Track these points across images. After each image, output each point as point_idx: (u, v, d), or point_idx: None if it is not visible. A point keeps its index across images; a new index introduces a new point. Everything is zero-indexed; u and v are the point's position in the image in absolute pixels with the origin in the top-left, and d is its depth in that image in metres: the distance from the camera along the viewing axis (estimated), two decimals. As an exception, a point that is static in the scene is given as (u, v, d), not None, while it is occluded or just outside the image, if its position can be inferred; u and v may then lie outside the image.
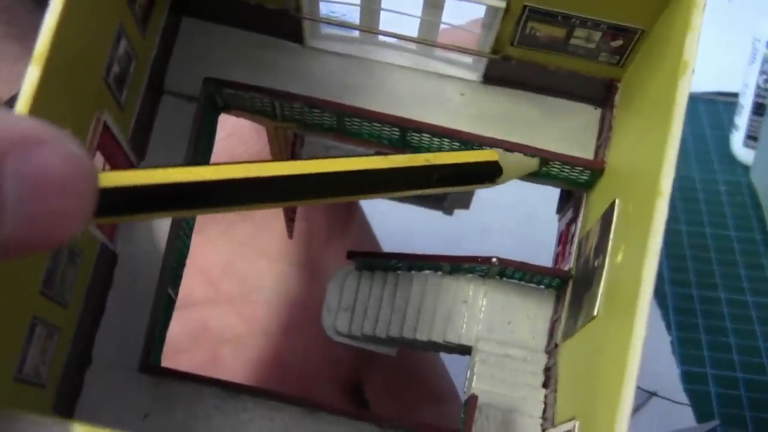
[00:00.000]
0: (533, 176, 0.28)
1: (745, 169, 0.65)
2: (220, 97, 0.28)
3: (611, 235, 0.24)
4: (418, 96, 0.28)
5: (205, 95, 0.27)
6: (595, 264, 0.25)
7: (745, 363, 0.51)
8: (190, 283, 0.36)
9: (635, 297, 0.20)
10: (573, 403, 0.24)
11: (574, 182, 0.28)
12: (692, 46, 0.22)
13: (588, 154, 0.28)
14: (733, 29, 0.69)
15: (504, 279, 0.30)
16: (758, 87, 0.64)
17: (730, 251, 0.58)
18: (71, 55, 0.21)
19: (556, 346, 0.28)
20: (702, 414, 0.48)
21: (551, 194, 0.32)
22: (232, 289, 0.37)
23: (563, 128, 0.28)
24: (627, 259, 0.22)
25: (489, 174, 0.23)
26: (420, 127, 0.27)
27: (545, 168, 0.28)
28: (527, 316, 0.29)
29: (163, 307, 0.28)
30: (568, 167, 0.27)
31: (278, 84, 0.28)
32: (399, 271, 0.31)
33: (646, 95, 0.24)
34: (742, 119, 0.65)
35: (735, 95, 0.67)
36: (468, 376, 0.29)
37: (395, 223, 0.47)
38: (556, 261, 0.30)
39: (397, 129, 0.27)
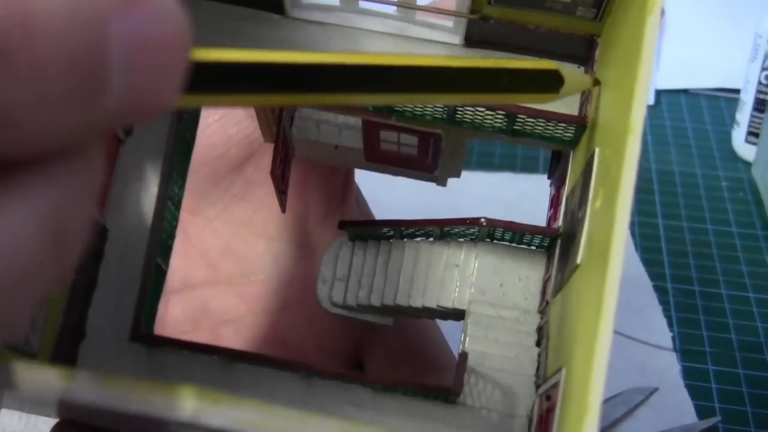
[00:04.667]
0: (523, 136, 0.28)
1: (747, 165, 0.65)
2: None
3: (591, 184, 0.24)
4: None
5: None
6: (579, 215, 0.25)
7: (747, 359, 0.51)
8: (190, 266, 0.37)
9: (610, 238, 0.19)
10: (560, 353, 0.24)
11: (560, 140, 0.28)
12: None
13: (573, 111, 0.28)
14: (735, 26, 0.68)
15: (494, 242, 0.30)
16: (760, 83, 0.64)
17: (732, 247, 0.58)
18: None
19: (548, 304, 0.28)
20: (703, 410, 0.48)
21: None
22: (231, 269, 0.37)
23: None
24: (603, 203, 0.22)
25: (552, 83, 0.23)
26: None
27: (530, 127, 0.28)
28: (519, 278, 0.30)
29: (153, 276, 0.28)
30: (552, 124, 0.28)
31: None
32: (391, 240, 0.31)
33: (619, 43, 0.24)
34: (744, 116, 0.65)
35: (737, 91, 0.67)
36: (461, 338, 0.29)
37: (391, 201, 0.47)
38: (548, 223, 0.31)
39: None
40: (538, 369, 0.28)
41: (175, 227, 0.30)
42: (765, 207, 0.60)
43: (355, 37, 0.29)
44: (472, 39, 0.28)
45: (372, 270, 0.31)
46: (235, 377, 0.27)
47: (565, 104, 0.28)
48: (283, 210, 0.32)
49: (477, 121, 0.28)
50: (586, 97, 0.28)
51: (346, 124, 0.31)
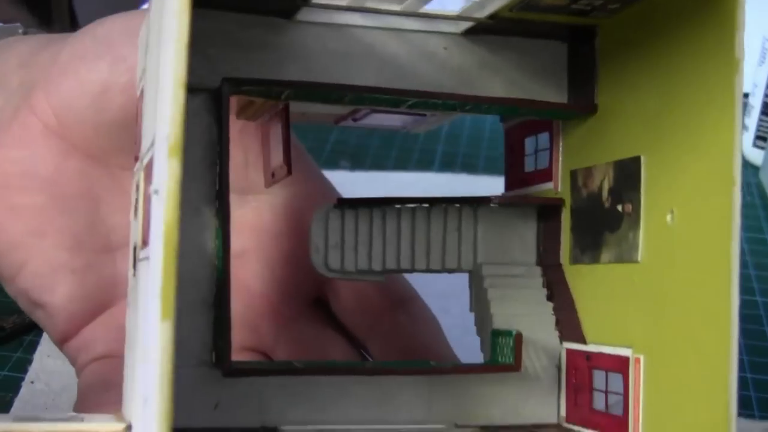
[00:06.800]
0: (513, 113, 0.31)
1: (755, 169, 0.64)
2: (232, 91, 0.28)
3: (642, 190, 0.27)
4: (406, 55, 0.30)
5: (220, 93, 0.27)
6: (619, 209, 0.28)
7: (755, 363, 0.50)
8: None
9: (725, 276, 0.24)
10: (621, 332, 0.28)
11: (549, 115, 0.31)
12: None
13: (562, 88, 0.31)
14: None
15: (491, 205, 0.32)
16: (768, 87, 0.63)
17: (740, 251, 0.57)
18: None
19: (559, 265, 0.31)
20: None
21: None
22: None
23: (539, 66, 0.31)
24: (690, 228, 0.25)
25: None
26: (420, 96, 0.29)
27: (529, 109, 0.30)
28: (516, 235, 0.32)
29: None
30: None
31: (272, 62, 0.28)
32: (385, 206, 0.32)
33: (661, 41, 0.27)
34: (752, 120, 0.65)
35: (745, 96, 0.66)
36: (472, 296, 0.32)
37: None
38: (512, 170, 0.34)
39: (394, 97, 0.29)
40: (557, 323, 0.31)
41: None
42: (773, 211, 0.60)
43: (361, 36, 0.29)
44: (473, 31, 0.30)
45: (367, 236, 0.32)
46: (305, 381, 0.29)
47: (555, 81, 0.31)
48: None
49: (485, 108, 0.30)
50: (580, 77, 0.30)
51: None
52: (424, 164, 0.64)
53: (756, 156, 0.64)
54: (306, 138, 0.65)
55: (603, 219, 0.29)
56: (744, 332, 0.51)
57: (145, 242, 0.22)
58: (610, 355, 0.28)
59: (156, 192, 0.19)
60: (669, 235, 0.26)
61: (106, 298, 0.34)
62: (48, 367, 0.39)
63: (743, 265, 0.56)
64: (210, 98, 0.27)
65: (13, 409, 0.37)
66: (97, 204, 0.35)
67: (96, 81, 0.33)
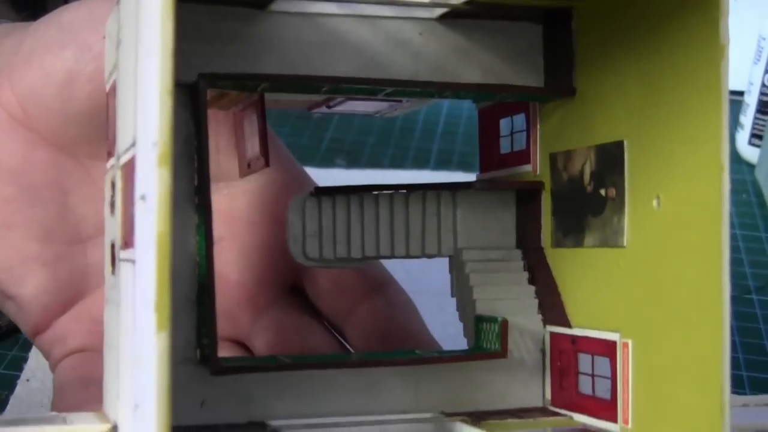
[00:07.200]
0: (490, 98, 0.31)
1: (750, 167, 0.65)
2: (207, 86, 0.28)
3: (626, 175, 0.27)
4: (381, 43, 0.29)
5: (196, 89, 0.27)
6: (602, 193, 0.28)
7: (750, 361, 0.50)
8: (102, 210, 0.35)
9: (716, 259, 0.24)
10: (607, 316, 0.28)
11: (526, 98, 0.31)
12: None
13: (538, 71, 0.31)
14: (738, 28, 0.68)
15: (470, 190, 0.32)
16: (763, 85, 0.63)
17: (735, 249, 0.58)
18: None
19: (540, 249, 0.31)
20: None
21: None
22: None
23: (515, 50, 0.31)
24: (678, 213, 0.25)
25: None
26: (397, 86, 0.29)
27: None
28: (496, 218, 0.32)
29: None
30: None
31: (247, 55, 0.28)
32: (362, 193, 0.32)
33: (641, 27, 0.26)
34: (748, 118, 0.65)
35: (740, 94, 0.67)
36: (452, 281, 0.32)
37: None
38: (487, 151, 0.34)
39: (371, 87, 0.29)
40: (539, 307, 0.31)
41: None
42: (768, 208, 0.60)
43: (336, 25, 0.29)
44: (448, 16, 0.29)
45: (346, 224, 0.31)
46: (291, 375, 0.28)
47: (531, 64, 0.31)
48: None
49: (462, 93, 0.30)
50: (554, 59, 0.30)
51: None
52: (420, 162, 0.64)
53: (752, 154, 0.64)
54: (302, 136, 0.65)
55: (585, 203, 0.29)
56: (739, 330, 0.51)
57: (126, 243, 0.22)
58: (596, 339, 0.28)
59: (143, 198, 0.19)
60: (656, 220, 0.26)
61: (77, 290, 0.34)
62: (43, 365, 0.39)
63: (739, 262, 0.56)
64: (185, 93, 0.27)
65: (8, 408, 0.37)
66: (66, 195, 0.34)
67: (62, 70, 0.32)
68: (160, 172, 0.19)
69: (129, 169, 0.21)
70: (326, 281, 0.36)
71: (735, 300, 0.54)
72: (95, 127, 0.32)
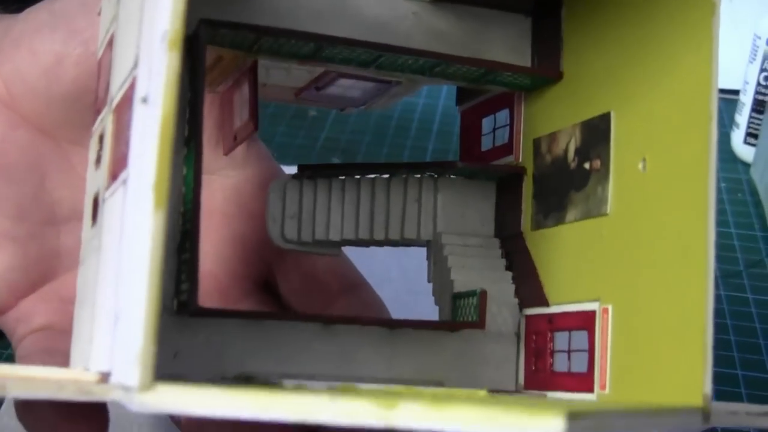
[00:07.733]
0: (486, 84, 0.31)
1: (746, 166, 0.64)
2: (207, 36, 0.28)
3: (612, 144, 0.27)
4: (377, 18, 0.30)
5: (195, 37, 0.27)
6: (586, 167, 0.29)
7: (746, 360, 0.50)
8: (78, 194, 0.34)
9: (702, 213, 0.23)
10: (587, 287, 0.28)
11: (512, 85, 0.31)
12: None
13: (526, 59, 0.32)
14: (733, 27, 0.68)
15: (452, 177, 0.33)
16: (759, 84, 0.63)
17: (731, 248, 0.57)
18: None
19: (520, 234, 0.32)
20: (700, 410, 0.47)
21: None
22: None
23: (504, 37, 0.31)
24: (664, 171, 0.25)
25: None
26: (393, 51, 0.29)
27: (494, 76, 0.31)
28: (475, 207, 0.33)
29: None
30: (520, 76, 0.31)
31: (245, 16, 0.28)
32: (344, 177, 0.32)
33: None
34: (743, 117, 0.64)
35: (735, 93, 0.67)
36: (429, 266, 0.33)
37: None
38: (468, 150, 0.34)
39: (370, 52, 0.29)
40: (516, 292, 0.31)
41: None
42: (764, 208, 0.59)
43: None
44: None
45: (326, 207, 0.32)
46: (266, 335, 0.28)
47: (519, 52, 0.31)
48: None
49: (450, 72, 0.30)
50: (544, 48, 0.30)
51: (273, 64, 0.31)
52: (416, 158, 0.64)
53: (747, 153, 0.64)
54: (297, 136, 0.65)
55: (569, 179, 0.29)
56: (736, 328, 0.51)
57: (117, 169, 0.21)
58: (574, 313, 0.29)
59: (144, 100, 0.19)
60: (641, 183, 0.26)
61: (47, 270, 0.34)
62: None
63: (733, 261, 0.56)
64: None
65: (4, 405, 0.36)
66: (43, 177, 0.35)
67: (49, 52, 0.32)
68: (169, 56, 0.18)
69: (125, 102, 0.21)
70: (299, 278, 0.36)
71: (731, 299, 0.54)
72: (78, 112, 0.32)
